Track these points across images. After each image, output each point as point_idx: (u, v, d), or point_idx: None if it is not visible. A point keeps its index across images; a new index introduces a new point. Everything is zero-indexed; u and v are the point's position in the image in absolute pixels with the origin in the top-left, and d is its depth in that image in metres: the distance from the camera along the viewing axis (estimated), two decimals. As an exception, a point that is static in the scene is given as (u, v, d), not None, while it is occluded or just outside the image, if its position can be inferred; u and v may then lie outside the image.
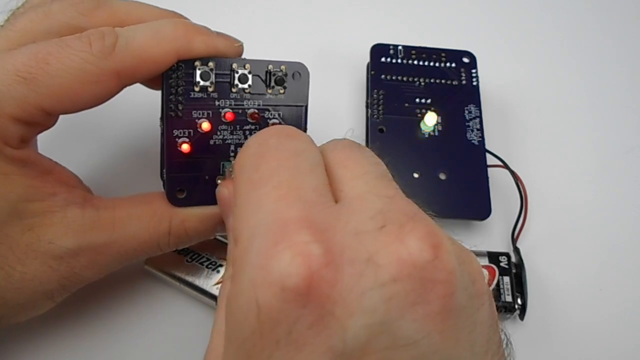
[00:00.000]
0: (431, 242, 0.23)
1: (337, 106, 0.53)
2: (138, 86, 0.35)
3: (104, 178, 0.46)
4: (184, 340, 0.41)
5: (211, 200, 0.34)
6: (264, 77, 0.35)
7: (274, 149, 0.27)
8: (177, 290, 0.42)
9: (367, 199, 0.26)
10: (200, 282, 0.41)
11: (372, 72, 0.51)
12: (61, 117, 0.34)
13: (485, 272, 0.44)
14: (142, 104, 0.45)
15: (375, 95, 0.50)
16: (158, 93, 0.35)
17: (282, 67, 0.35)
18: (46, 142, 0.37)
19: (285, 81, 0.35)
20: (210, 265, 0.41)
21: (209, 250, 0.42)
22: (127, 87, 0.33)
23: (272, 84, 0.35)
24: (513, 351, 0.29)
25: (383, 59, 0.52)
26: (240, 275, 0.24)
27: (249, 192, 0.26)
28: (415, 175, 0.47)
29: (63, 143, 0.42)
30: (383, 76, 0.51)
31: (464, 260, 0.25)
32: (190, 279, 0.41)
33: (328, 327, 0.22)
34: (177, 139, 0.34)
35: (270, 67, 0.35)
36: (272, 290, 0.22)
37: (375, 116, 0.49)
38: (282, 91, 0.35)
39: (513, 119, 0.54)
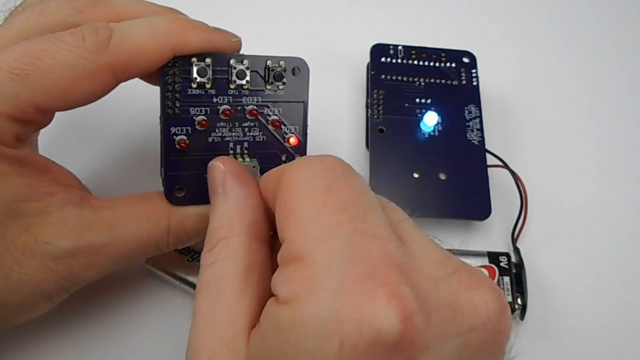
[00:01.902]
0: (498, 292, 0.24)
1: (337, 106, 0.53)
2: (138, 85, 0.35)
3: (104, 178, 0.46)
4: (184, 339, 0.41)
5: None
6: (262, 73, 0.35)
7: (345, 180, 0.27)
8: (178, 289, 0.42)
9: (428, 244, 0.26)
10: (200, 281, 0.41)
11: (372, 72, 0.51)
12: (61, 116, 0.34)
13: (485, 271, 0.44)
14: (143, 103, 0.45)
15: (375, 95, 0.50)
16: (158, 92, 0.35)
17: (281, 62, 0.35)
18: (46, 142, 0.37)
19: (284, 76, 0.35)
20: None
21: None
22: (128, 86, 0.33)
23: (271, 79, 0.35)
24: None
25: (383, 59, 0.52)
26: (311, 300, 0.23)
27: (321, 213, 0.25)
28: (415, 175, 0.47)
29: (63, 143, 0.42)
30: (383, 76, 0.51)
31: None
32: (190, 278, 0.41)
33: None
34: (174, 137, 0.34)
35: (268, 62, 0.34)
36: (363, 331, 0.21)
37: (375, 116, 0.49)
38: (281, 87, 0.35)
39: (513, 119, 0.54)
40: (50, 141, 0.37)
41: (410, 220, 0.28)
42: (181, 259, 0.41)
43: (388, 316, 0.21)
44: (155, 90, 0.35)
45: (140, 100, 0.42)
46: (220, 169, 0.32)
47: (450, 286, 0.24)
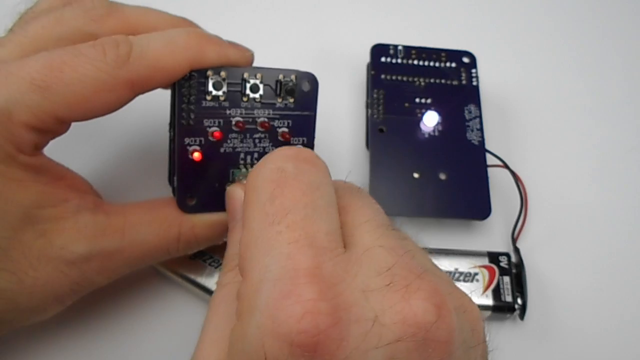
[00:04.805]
0: (435, 301, 0.24)
1: (337, 106, 0.53)
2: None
3: (111, 182, 0.46)
4: (183, 335, 0.41)
5: (220, 206, 0.35)
6: (274, 86, 0.35)
7: (291, 179, 0.27)
8: (180, 286, 0.43)
9: (375, 253, 0.26)
10: (202, 279, 0.41)
11: (372, 72, 0.51)
12: (71, 122, 0.34)
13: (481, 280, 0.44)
14: (150, 108, 0.45)
15: (375, 95, 0.50)
16: (166, 97, 0.35)
17: (293, 76, 0.35)
18: (53, 146, 0.37)
19: (295, 91, 0.35)
20: (213, 264, 0.42)
21: (212, 249, 0.42)
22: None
23: (283, 93, 0.35)
24: None
25: (383, 59, 0.52)
26: (247, 316, 0.24)
27: (263, 226, 0.26)
28: (415, 175, 0.47)
29: (70, 147, 0.41)
30: (383, 76, 0.51)
31: (465, 309, 0.27)
32: (192, 276, 0.41)
33: None
34: (188, 147, 0.34)
35: (280, 76, 0.35)
36: (280, 344, 0.23)
37: (375, 116, 0.49)
38: (291, 100, 0.35)
39: (513, 119, 0.54)
40: (56, 144, 0.37)
41: (374, 221, 0.28)
42: (184, 257, 0.41)
43: (300, 329, 0.23)
44: (162, 93, 0.36)
45: (148, 105, 0.42)
46: (242, 198, 0.32)
47: (380, 298, 0.24)
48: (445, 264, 0.44)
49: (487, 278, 0.44)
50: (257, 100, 0.35)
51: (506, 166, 0.48)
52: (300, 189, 0.27)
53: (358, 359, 0.23)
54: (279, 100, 0.35)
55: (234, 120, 0.35)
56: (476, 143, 0.49)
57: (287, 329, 0.23)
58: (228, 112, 0.35)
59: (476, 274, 0.44)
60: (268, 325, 0.23)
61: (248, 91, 0.34)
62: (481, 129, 0.49)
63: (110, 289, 0.39)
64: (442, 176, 0.47)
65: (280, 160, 0.28)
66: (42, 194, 0.32)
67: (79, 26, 0.34)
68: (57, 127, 0.32)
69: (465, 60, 0.53)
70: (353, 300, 0.24)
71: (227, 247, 0.32)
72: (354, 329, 0.23)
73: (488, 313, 0.43)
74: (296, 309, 0.23)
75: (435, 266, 0.29)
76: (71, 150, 0.40)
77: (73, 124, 0.33)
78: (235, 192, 0.34)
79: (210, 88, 0.34)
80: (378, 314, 0.24)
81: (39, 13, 0.35)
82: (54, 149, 0.35)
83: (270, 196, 0.27)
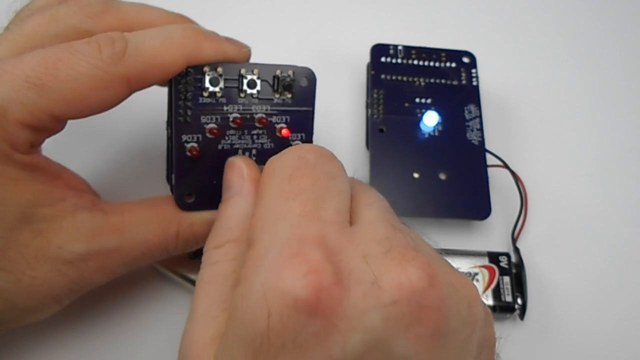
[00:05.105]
0: (428, 271, 0.26)
1: (337, 106, 0.53)
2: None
3: (109, 181, 0.46)
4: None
5: (219, 204, 0.34)
6: (271, 82, 0.35)
7: (311, 166, 0.29)
8: (180, 286, 0.43)
9: (376, 225, 0.28)
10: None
11: (372, 72, 0.51)
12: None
13: (485, 271, 0.44)
14: (148, 107, 0.45)
15: (375, 95, 0.50)
16: (163, 95, 0.35)
17: (290, 72, 0.35)
18: (50, 144, 0.37)
19: (293, 87, 0.35)
20: (212, 263, 0.41)
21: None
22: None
23: (280, 89, 0.35)
24: None
25: (383, 59, 0.52)
26: (252, 277, 0.26)
27: (278, 200, 0.28)
28: (415, 175, 0.47)
29: (68, 146, 0.41)
30: (383, 76, 0.51)
31: (463, 285, 0.28)
32: (192, 276, 0.41)
33: (331, 337, 0.24)
34: (185, 144, 0.34)
35: (278, 72, 0.35)
36: (284, 299, 0.24)
37: (375, 116, 0.49)
38: (289, 96, 0.35)
39: (513, 119, 0.54)
40: (53, 143, 0.37)
41: (376, 204, 0.31)
42: (182, 256, 0.41)
43: (304, 287, 0.24)
44: (160, 91, 0.36)
45: (145, 103, 0.42)
46: (242, 170, 0.33)
47: (379, 264, 0.26)
48: (446, 264, 0.44)
49: (487, 278, 0.44)
50: (255, 96, 0.35)
51: (506, 166, 0.48)
52: (318, 176, 0.29)
53: (357, 318, 0.25)
54: (277, 96, 0.35)
55: (231, 117, 0.34)
56: (476, 143, 0.49)
57: (291, 284, 0.24)
58: (225, 108, 0.34)
59: (476, 274, 0.44)
60: (273, 282, 0.24)
61: (245, 87, 0.34)
62: (481, 129, 0.49)
63: (110, 289, 0.39)
64: (442, 176, 0.47)
65: (302, 151, 0.30)
66: (39, 193, 0.32)
67: (75, 23, 0.34)
68: (53, 124, 0.32)
69: (465, 60, 0.53)
70: (354, 264, 0.26)
71: (217, 222, 0.33)
72: (354, 289, 0.25)
73: (488, 313, 0.43)
74: (302, 267, 0.25)
75: (434, 250, 0.30)
76: (69, 149, 0.40)
77: (70, 122, 0.33)
78: (236, 162, 0.34)
79: (207, 84, 0.33)
80: (376, 278, 0.25)
81: (35, 10, 0.35)
82: (52, 148, 0.35)
83: (289, 177, 0.29)
